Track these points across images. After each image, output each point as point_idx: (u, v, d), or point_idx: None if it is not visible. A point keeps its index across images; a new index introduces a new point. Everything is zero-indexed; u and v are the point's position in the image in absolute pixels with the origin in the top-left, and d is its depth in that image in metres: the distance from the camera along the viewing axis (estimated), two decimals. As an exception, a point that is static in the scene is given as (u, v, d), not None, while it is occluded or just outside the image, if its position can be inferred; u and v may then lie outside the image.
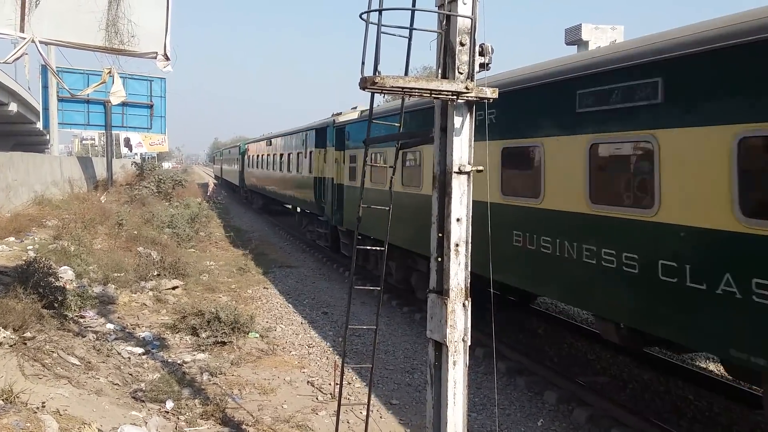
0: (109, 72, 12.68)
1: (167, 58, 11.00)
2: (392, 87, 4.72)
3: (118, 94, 13.53)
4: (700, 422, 7.95)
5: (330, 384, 9.08)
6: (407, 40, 5.62)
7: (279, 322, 12.80)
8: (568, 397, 8.70)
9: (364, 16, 4.92)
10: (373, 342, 6.02)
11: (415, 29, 5.30)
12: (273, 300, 14.86)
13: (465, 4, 4.78)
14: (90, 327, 10.70)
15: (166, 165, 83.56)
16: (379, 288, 5.70)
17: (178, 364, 9.71)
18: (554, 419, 8.23)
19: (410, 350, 11.05)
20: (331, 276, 18.24)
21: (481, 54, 4.99)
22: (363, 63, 4.87)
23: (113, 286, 13.68)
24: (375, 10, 4.94)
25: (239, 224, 30.67)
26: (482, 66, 5.08)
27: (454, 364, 4.61)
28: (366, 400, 6.20)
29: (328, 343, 11.40)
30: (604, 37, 9.52)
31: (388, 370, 9.98)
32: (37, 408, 6.33)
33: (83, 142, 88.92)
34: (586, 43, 9.63)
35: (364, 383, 9.07)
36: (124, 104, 31.84)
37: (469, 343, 4.71)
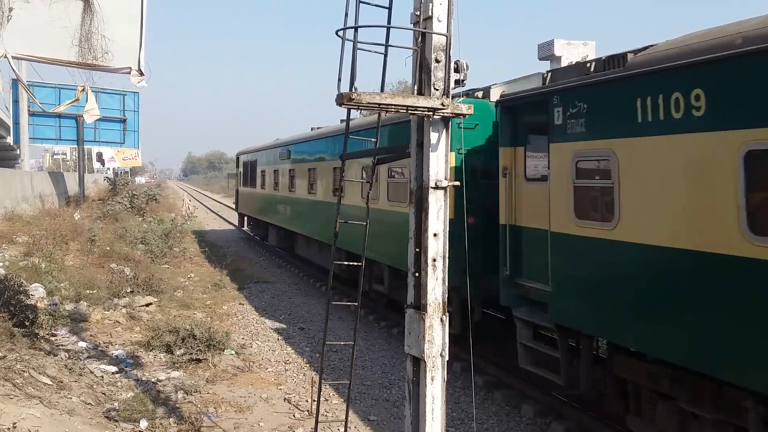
0: (83, 89, 12.55)
1: (141, 74, 10.94)
2: (369, 103, 4.76)
3: (92, 112, 13.38)
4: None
5: (307, 401, 9.02)
6: (383, 56, 5.69)
7: (255, 339, 12.69)
8: (545, 410, 8.74)
9: (341, 33, 4.96)
10: (350, 358, 6.00)
11: (390, 46, 5.35)
12: (249, 316, 14.74)
13: (440, 21, 4.85)
14: (62, 345, 10.51)
15: (139, 180, 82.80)
16: (356, 303, 5.69)
17: (153, 383, 9.56)
18: (531, 433, 8.27)
19: (388, 365, 11.02)
20: (308, 291, 18.15)
21: (457, 70, 5.07)
22: (339, 79, 4.90)
23: (85, 303, 13.46)
24: (351, 27, 4.98)
25: (214, 239, 30.42)
26: (457, 82, 5.15)
27: (432, 380, 4.62)
28: (344, 417, 6.17)
29: (304, 359, 11.33)
30: (576, 52, 9.68)
31: (365, 385, 9.94)
32: (8, 429, 6.19)
33: (54, 156, 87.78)
34: (558, 59, 9.79)
35: (342, 399, 9.03)
36: (96, 119, 31.53)
37: (447, 358, 4.72)
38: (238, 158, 32.46)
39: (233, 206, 40.24)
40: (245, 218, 31.08)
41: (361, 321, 14.10)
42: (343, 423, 6.22)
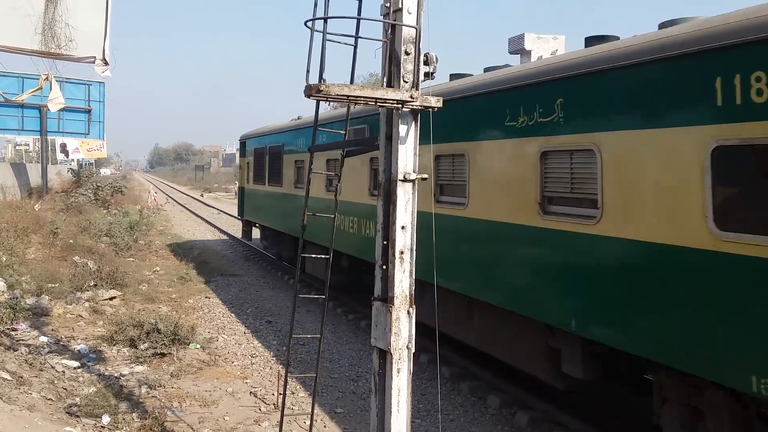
0: (47, 78, 12.29)
1: (106, 63, 10.75)
2: (338, 95, 4.73)
3: (56, 101, 13.11)
4: (639, 426, 8.16)
5: (273, 394, 8.97)
6: (353, 48, 5.66)
7: (221, 332, 12.57)
8: (510, 401, 8.84)
9: (310, 24, 4.92)
10: (317, 351, 5.98)
11: (360, 38, 5.33)
12: (215, 310, 14.59)
13: (410, 13, 4.83)
14: (22, 340, 10.28)
15: (104, 171, 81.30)
16: (324, 296, 5.67)
17: (116, 378, 9.41)
18: (497, 423, 8.34)
19: (355, 358, 11.02)
20: (275, 284, 18.05)
21: (426, 63, 5.06)
22: (308, 71, 4.86)
23: (47, 297, 13.19)
24: (320, 18, 4.95)
25: (180, 232, 30.06)
26: (427, 75, 5.15)
27: (398, 372, 4.63)
28: (310, 410, 6.15)
29: (271, 353, 11.26)
30: (546, 47, 9.76)
31: (332, 378, 9.92)
32: (-36, 425, 6.04)
33: (17, 147, 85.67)
34: (528, 53, 9.85)
35: (309, 393, 9.00)
36: (61, 109, 30.88)
37: (413, 350, 4.73)
38: (243, 144, 23.09)
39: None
40: (253, 227, 22.38)
41: (330, 314, 14.07)
42: (309, 416, 6.21)
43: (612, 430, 7.81)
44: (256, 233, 22.69)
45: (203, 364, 10.36)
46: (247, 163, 22.25)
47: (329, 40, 5.03)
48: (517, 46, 10.13)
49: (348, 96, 4.68)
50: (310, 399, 7.75)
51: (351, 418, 8.42)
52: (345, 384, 9.71)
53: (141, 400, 8.56)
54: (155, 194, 51.75)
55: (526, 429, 8.10)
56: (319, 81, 4.78)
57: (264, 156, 19.79)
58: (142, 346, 10.57)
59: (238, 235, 28.66)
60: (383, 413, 4.70)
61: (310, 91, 4.60)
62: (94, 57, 10.56)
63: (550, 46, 9.71)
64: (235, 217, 38.53)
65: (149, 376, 9.47)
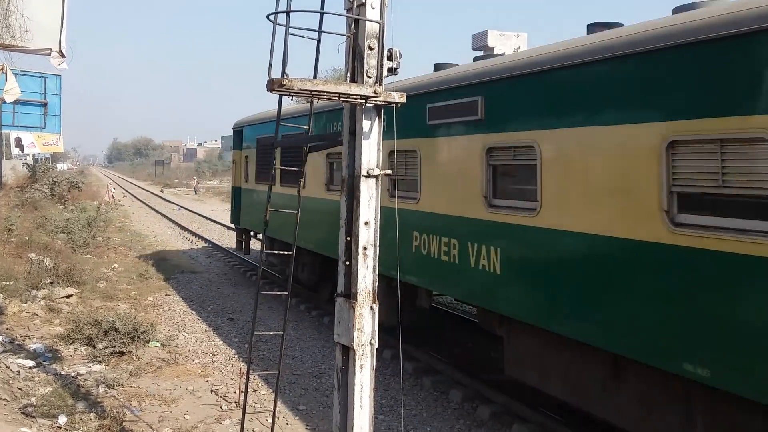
0: (2, 69, 11.92)
1: (62, 55, 10.48)
2: (300, 90, 4.68)
3: (12, 91, 12.68)
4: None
5: (235, 392, 8.88)
6: (316, 42, 5.62)
7: (182, 330, 12.39)
8: (472, 395, 8.91)
9: (272, 17, 4.87)
10: (279, 348, 5.93)
11: (323, 32, 5.29)
12: (175, 307, 14.37)
13: (373, 8, 4.81)
14: (-27, 339, 9.98)
15: (61, 166, 79.32)
16: (286, 293, 5.63)
17: (73, 377, 9.21)
18: (459, 417, 8.40)
19: (318, 354, 10.98)
20: (237, 281, 17.86)
21: (390, 58, 5.04)
22: (270, 65, 4.80)
23: (1, 295, 12.82)
24: (283, 12, 4.89)
25: (140, 229, 29.54)
26: (390, 70, 5.13)
27: (361, 368, 4.62)
28: (272, 407, 6.10)
29: (233, 351, 11.14)
30: (508, 43, 9.83)
31: (295, 375, 9.87)
32: None
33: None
34: (491, 49, 9.91)
35: (271, 390, 8.93)
36: (15, 102, 29.94)
37: (376, 346, 4.72)
38: (239, 133, 18.50)
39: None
40: (251, 237, 18.13)
41: (292, 310, 13.99)
42: (271, 414, 6.16)
43: (570, 424, 7.91)
44: (255, 245, 18.10)
45: (163, 363, 10.20)
46: (245, 157, 17.66)
47: (292, 34, 4.98)
48: (480, 43, 10.18)
49: (311, 91, 4.64)
50: (272, 396, 7.68)
51: (314, 414, 8.39)
52: (308, 381, 9.67)
53: (99, 400, 8.38)
54: (113, 190, 50.76)
55: (487, 422, 8.17)
56: (282, 75, 4.74)
57: (270, 149, 15.16)
58: (100, 345, 10.35)
59: (200, 231, 28.36)
60: (346, 409, 4.69)
61: (272, 86, 4.55)
62: (50, 49, 10.29)
63: (512, 43, 9.79)
64: (196, 213, 38.09)
65: (107, 375, 9.28)
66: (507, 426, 7.97)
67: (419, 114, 8.90)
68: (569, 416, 8.04)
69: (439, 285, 9.09)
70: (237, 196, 18.55)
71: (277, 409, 6.60)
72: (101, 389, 8.75)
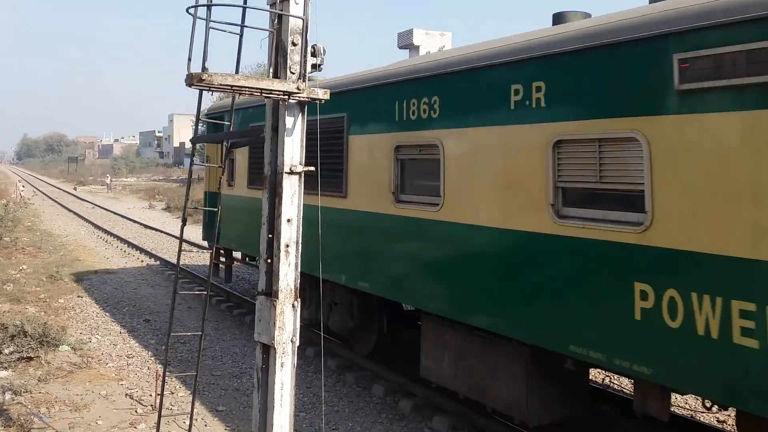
0: None
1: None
2: (221, 85, 4.60)
3: None
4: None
5: (151, 395, 8.60)
6: (239, 36, 5.53)
7: (95, 333, 11.90)
8: (394, 389, 9.00)
9: (192, 10, 4.75)
10: (198, 348, 5.80)
11: (246, 26, 5.22)
12: (88, 309, 13.78)
13: (297, 4, 4.78)
14: None
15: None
16: (205, 292, 5.51)
17: (-25, 383, 8.69)
18: (381, 411, 8.45)
19: (239, 354, 10.78)
20: (154, 281, 17.31)
21: (314, 54, 5.03)
22: (190, 59, 4.69)
23: None
24: (203, 5, 4.79)
25: (51, 228, 28.19)
26: (314, 66, 5.11)
27: (282, 366, 4.58)
28: (190, 410, 5.96)
29: (150, 353, 10.79)
30: (433, 42, 10.00)
31: (215, 376, 9.66)
32: None
33: None
34: (417, 48, 10.05)
35: (189, 392, 8.71)
36: None
37: (297, 343, 4.70)
38: (217, 120, 12.05)
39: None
40: (232, 260, 13.88)
41: (213, 309, 13.71)
42: (189, 416, 6.01)
43: (488, 415, 8.08)
44: (248, 274, 15.52)
45: (74, 367, 9.77)
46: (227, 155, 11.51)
47: (213, 28, 4.89)
48: (406, 41, 10.31)
49: (232, 86, 4.56)
50: (190, 398, 7.50)
51: (234, 415, 8.24)
52: (228, 381, 9.49)
53: (5, 408, 7.96)
54: (22, 188, 48.26)
55: (409, 415, 8.27)
56: (203, 70, 4.64)
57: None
58: (6, 351, 9.82)
59: (116, 230, 27.33)
60: (266, 408, 4.63)
61: (192, 81, 4.44)
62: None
63: (438, 42, 9.96)
64: (111, 212, 36.66)
65: (14, 381, 8.81)
66: (428, 418, 8.09)
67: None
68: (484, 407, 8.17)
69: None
70: (214, 205, 11.21)
71: (196, 410, 6.45)
72: (7, 396, 8.30)
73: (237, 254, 13.71)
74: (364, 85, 8.76)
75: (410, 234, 7.74)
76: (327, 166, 9.28)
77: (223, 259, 13.70)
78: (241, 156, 12.05)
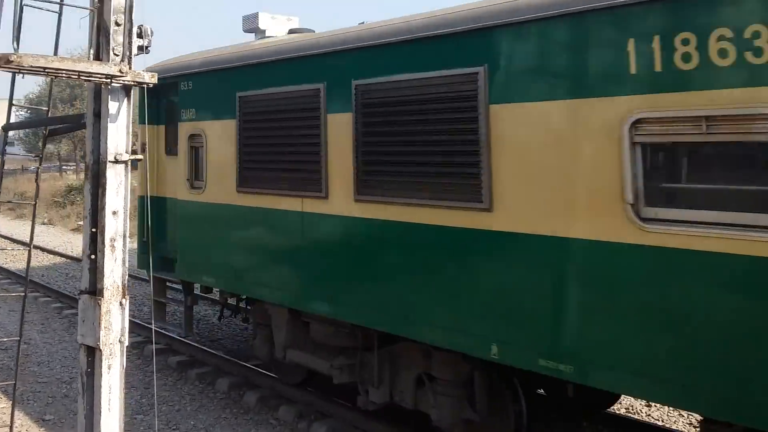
0: None
1: None
2: (32, 67, 4.18)
3: None
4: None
5: (-35, 409, 7.80)
6: (57, 15, 5.09)
7: None
8: (239, 383, 8.85)
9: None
10: (16, 355, 5.31)
11: (65, 4, 4.81)
12: None
13: (120, -20, 4.47)
14: None
15: None
16: (23, 293, 5.05)
17: None
18: (225, 407, 8.28)
19: (69, 358, 10.04)
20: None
21: (140, 36, 4.74)
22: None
23: None
24: (14, -21, 4.35)
25: None
26: (141, 48, 4.82)
27: (110, 368, 4.30)
28: (9, 422, 5.45)
29: (-37, 362, 9.77)
30: (280, 27, 9.83)
31: (41, 383, 8.94)
32: None
33: None
34: (263, 32, 9.83)
35: (10, 402, 7.98)
36: None
37: (126, 343, 4.43)
38: (173, 88, 9.01)
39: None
40: (195, 298, 9.89)
41: (40, 311, 12.68)
42: (9, 428, 5.50)
43: (336, 403, 8.15)
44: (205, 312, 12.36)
45: None
46: (192, 137, 8.81)
47: (27, 5, 4.48)
48: (251, 25, 10.06)
49: (45, 68, 4.16)
50: (9, 409, 6.87)
51: (63, 424, 7.68)
52: (56, 388, 8.82)
53: None
54: None
55: (254, 408, 8.18)
56: (16, 51, 4.23)
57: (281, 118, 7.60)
58: None
59: None
60: (92, 413, 4.34)
61: (-1, 62, 4.00)
62: None
63: (285, 27, 9.82)
64: None
65: None
66: (274, 409, 8.04)
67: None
68: (337, 394, 8.24)
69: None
70: (161, 218, 9.44)
71: (18, 421, 5.94)
72: None
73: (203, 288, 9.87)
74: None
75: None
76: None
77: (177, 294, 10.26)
78: (222, 143, 8.29)
